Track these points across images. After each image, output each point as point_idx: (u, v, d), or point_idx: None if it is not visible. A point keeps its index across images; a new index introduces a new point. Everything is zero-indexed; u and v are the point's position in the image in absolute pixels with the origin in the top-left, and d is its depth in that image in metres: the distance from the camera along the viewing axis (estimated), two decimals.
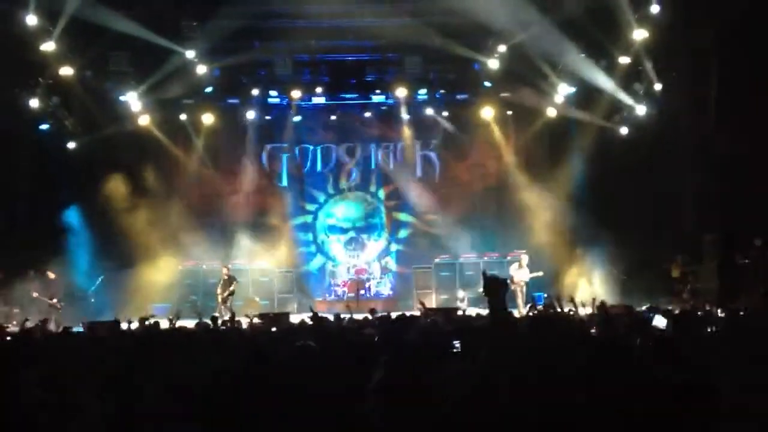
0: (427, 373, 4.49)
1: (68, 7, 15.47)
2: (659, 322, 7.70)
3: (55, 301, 16.07)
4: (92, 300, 17.89)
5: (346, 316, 10.64)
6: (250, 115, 20.86)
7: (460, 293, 19.09)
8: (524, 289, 17.52)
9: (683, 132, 17.85)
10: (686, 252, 17.40)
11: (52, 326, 12.66)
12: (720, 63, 16.65)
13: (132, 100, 18.68)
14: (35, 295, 15.98)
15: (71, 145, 19.18)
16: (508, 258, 19.11)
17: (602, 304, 10.09)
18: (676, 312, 9.81)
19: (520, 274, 17.53)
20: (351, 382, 4.77)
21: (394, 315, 9.19)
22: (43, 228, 18.04)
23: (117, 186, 19.17)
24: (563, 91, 19.14)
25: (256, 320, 11.46)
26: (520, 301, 17.17)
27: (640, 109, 18.41)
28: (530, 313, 10.61)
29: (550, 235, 19.69)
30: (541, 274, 17.77)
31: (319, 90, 20.09)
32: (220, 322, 11.47)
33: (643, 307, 11.74)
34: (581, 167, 19.61)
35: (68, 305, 16.54)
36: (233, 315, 13.40)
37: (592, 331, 7.31)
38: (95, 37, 16.60)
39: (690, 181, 17.79)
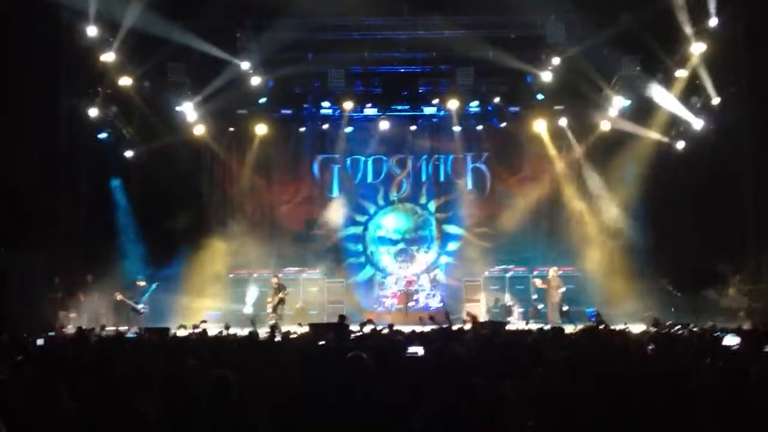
0: (480, 389, 4.44)
1: (128, 19, 15.91)
2: (731, 341, 7.47)
3: (141, 306, 16.87)
4: (146, 306, 18.19)
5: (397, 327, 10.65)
6: (303, 126, 21.10)
7: (508, 301, 18.98)
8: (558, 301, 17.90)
9: (742, 147, 17.41)
10: (745, 271, 16.95)
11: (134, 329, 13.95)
12: None
13: (188, 110, 19.00)
14: (119, 297, 16.78)
15: (129, 153, 19.61)
16: (560, 272, 18.81)
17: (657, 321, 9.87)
18: (748, 330, 9.53)
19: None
20: (402, 394, 4.75)
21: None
22: (100, 234, 18.49)
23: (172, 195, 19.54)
24: (618, 104, 18.87)
25: (305, 329, 11.55)
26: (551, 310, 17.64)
27: (698, 124, 18.04)
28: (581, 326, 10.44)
29: (602, 250, 19.41)
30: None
31: (370, 102, 20.22)
32: (267, 329, 11.63)
33: (707, 325, 11.46)
34: (636, 182, 19.23)
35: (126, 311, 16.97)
36: (278, 323, 13.56)
37: (650, 347, 7.14)
38: (154, 48, 17.03)
39: (749, 198, 17.34)
